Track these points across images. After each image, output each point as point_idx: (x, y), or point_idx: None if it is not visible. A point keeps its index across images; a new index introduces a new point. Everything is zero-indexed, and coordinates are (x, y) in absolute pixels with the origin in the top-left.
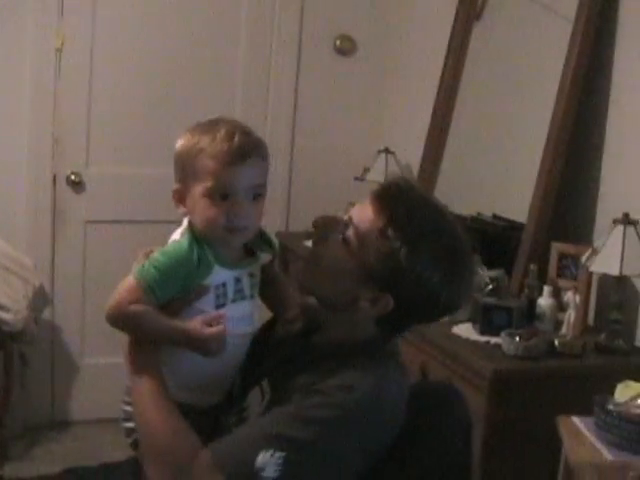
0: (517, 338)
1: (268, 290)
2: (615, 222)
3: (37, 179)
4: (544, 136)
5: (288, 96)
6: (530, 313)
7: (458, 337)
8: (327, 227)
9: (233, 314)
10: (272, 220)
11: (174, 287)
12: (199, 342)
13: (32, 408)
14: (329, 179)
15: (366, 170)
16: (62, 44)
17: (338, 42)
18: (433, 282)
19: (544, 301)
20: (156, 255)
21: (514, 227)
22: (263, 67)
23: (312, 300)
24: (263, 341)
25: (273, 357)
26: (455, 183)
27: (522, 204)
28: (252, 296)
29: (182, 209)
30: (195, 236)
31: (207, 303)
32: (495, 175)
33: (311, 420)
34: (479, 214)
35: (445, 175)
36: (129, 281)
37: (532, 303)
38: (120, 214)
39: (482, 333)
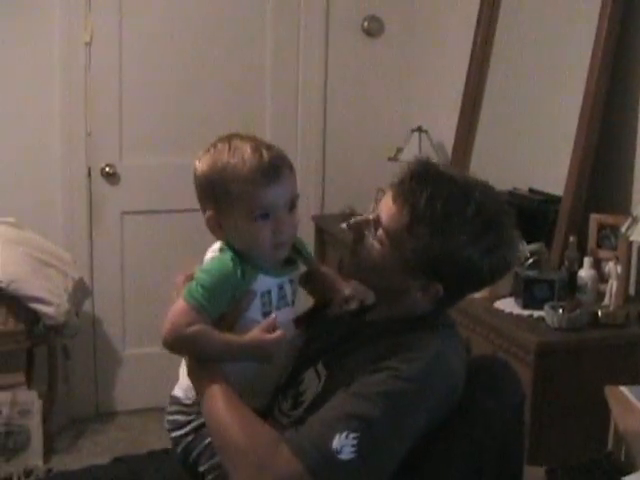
0: (560, 310)
1: (314, 280)
2: None
3: (72, 173)
4: (578, 108)
5: (318, 78)
6: (571, 285)
7: (501, 312)
8: (361, 228)
9: (279, 320)
10: (307, 203)
11: (223, 302)
12: (260, 351)
13: (76, 400)
14: (362, 161)
15: (399, 150)
16: (91, 38)
17: (366, 23)
18: (474, 259)
19: (585, 273)
20: (200, 274)
21: (551, 200)
22: (291, 50)
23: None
24: (311, 325)
25: (326, 339)
26: (489, 159)
27: (558, 177)
28: (293, 302)
29: (220, 234)
30: (235, 250)
31: (254, 311)
32: (529, 149)
33: (379, 396)
34: (515, 189)
35: (479, 152)
36: (180, 304)
37: (573, 275)
38: (155, 204)
39: (525, 307)
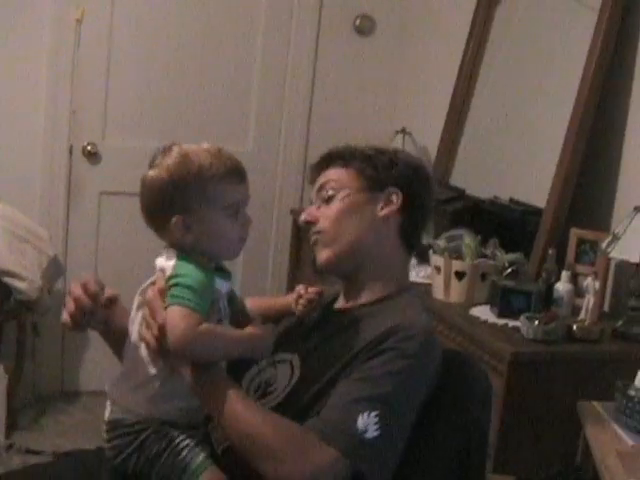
0: (536, 322)
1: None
2: (636, 209)
3: (53, 149)
4: (565, 121)
5: (306, 75)
6: (548, 297)
7: (476, 319)
8: (315, 216)
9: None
10: (287, 199)
11: (209, 301)
12: (261, 343)
13: (42, 378)
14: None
15: None
16: (82, 15)
17: (358, 21)
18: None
19: (562, 286)
20: (179, 279)
21: (531, 211)
22: (282, 45)
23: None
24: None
25: (295, 330)
26: (472, 166)
27: (540, 189)
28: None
29: (188, 237)
30: (190, 257)
31: (212, 319)
32: (513, 159)
33: (390, 375)
34: (496, 197)
35: (462, 157)
36: (176, 310)
37: (550, 287)
38: (135, 186)
39: (500, 315)
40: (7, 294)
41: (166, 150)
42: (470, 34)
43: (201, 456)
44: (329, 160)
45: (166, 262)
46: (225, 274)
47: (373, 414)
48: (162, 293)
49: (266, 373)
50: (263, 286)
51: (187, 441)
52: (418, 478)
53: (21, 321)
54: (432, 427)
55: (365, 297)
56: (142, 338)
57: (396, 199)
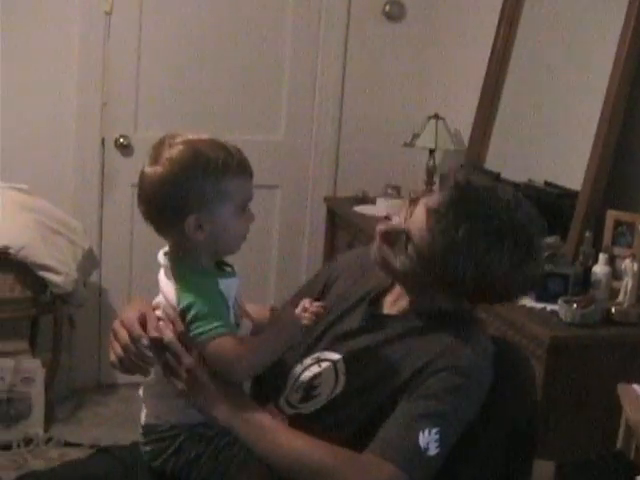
0: (574, 305)
1: None
2: None
3: (85, 142)
4: (600, 102)
5: (337, 62)
6: (585, 281)
7: (514, 304)
8: (391, 236)
9: (242, 333)
10: (320, 185)
11: (225, 307)
12: (295, 329)
13: (79, 371)
14: (377, 145)
15: (415, 136)
16: (111, 7)
17: (387, 7)
18: (503, 279)
19: (599, 269)
20: (193, 312)
21: (567, 194)
22: (312, 32)
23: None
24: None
25: (340, 328)
26: (506, 150)
27: (575, 171)
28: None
29: (199, 236)
30: (188, 265)
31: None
32: (547, 142)
33: (446, 392)
34: (531, 181)
35: (496, 141)
36: (220, 342)
37: (587, 271)
38: None
39: (538, 300)
40: (43, 288)
41: (170, 142)
42: (501, 16)
43: (242, 453)
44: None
45: (166, 281)
46: (228, 269)
47: (434, 431)
48: (181, 334)
49: (310, 372)
50: (297, 275)
51: (225, 439)
52: (469, 472)
53: (57, 314)
54: (485, 423)
55: (421, 306)
56: (168, 380)
57: (460, 302)
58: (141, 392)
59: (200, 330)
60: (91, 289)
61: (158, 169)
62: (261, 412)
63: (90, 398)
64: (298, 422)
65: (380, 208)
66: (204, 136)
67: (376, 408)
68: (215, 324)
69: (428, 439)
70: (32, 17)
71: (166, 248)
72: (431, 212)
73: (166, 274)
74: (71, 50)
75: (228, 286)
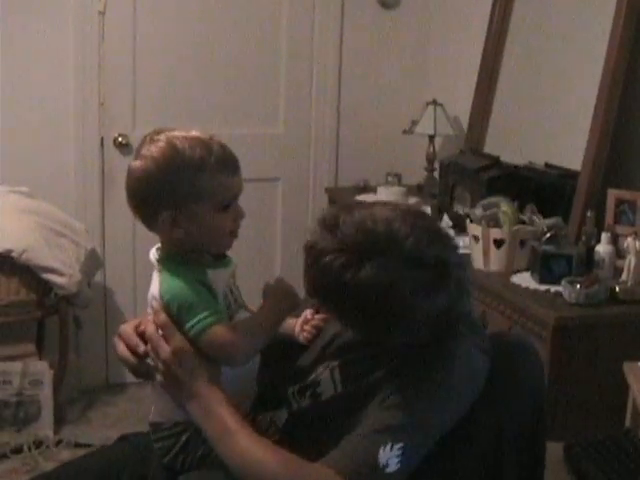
0: (578, 286)
1: None
2: None
3: (84, 143)
4: (596, 82)
5: (333, 51)
6: (588, 261)
7: (517, 286)
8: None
9: None
10: (320, 175)
11: (213, 297)
12: (289, 300)
13: (87, 371)
14: (377, 133)
15: (414, 123)
16: (105, 7)
17: None
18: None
19: (602, 248)
20: (177, 305)
21: (567, 175)
22: (307, 22)
23: None
24: None
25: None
26: (505, 133)
27: (574, 152)
28: (244, 305)
29: (176, 233)
30: (174, 261)
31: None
32: (546, 123)
33: (414, 404)
34: (531, 163)
35: (495, 125)
36: (212, 332)
37: (590, 250)
38: None
39: (541, 281)
40: (47, 290)
41: (153, 138)
42: (495, 0)
43: None
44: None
45: (155, 274)
46: (224, 261)
47: (397, 446)
48: (164, 327)
49: (319, 376)
50: (300, 267)
51: None
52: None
53: (63, 315)
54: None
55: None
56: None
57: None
58: (150, 389)
59: (189, 324)
60: (96, 289)
61: (137, 164)
62: (231, 413)
63: (99, 398)
64: (297, 420)
65: (382, 196)
66: (192, 132)
67: (360, 413)
68: (201, 315)
69: (389, 455)
70: (26, 18)
71: (159, 244)
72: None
73: (156, 267)
74: (66, 50)
75: (217, 276)
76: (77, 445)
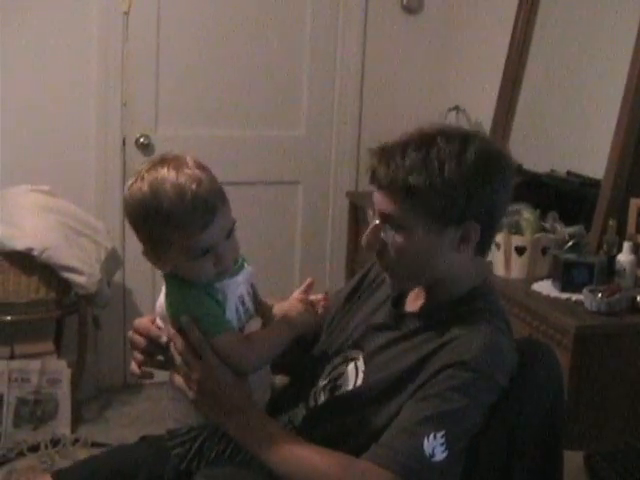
0: (599, 294)
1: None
2: None
3: (106, 143)
4: (620, 90)
5: (356, 55)
6: (610, 269)
7: (538, 294)
8: (375, 239)
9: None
10: (342, 179)
11: (221, 309)
12: (302, 318)
13: (105, 371)
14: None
15: None
16: (129, 7)
17: (405, 0)
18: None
19: (624, 257)
20: (193, 313)
21: (590, 183)
22: (330, 26)
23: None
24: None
25: (363, 328)
26: (528, 140)
27: (597, 160)
28: (257, 310)
29: (161, 266)
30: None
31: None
32: (568, 132)
33: (454, 390)
34: (553, 171)
35: (517, 132)
36: (225, 338)
37: (611, 259)
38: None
39: (563, 290)
40: (67, 289)
41: (143, 173)
42: (520, 5)
43: None
44: (390, 186)
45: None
46: (233, 268)
47: (440, 434)
48: (196, 343)
49: (339, 370)
50: (322, 270)
51: None
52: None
53: (82, 315)
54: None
55: (437, 298)
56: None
57: (475, 234)
58: (167, 397)
59: (203, 328)
60: (115, 289)
61: (129, 189)
62: (274, 423)
63: (116, 398)
64: (315, 415)
65: None
66: (187, 170)
67: (389, 405)
68: (213, 323)
69: (433, 444)
70: (50, 19)
71: None
72: (378, 188)
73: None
74: (90, 51)
75: (224, 286)
76: (94, 444)
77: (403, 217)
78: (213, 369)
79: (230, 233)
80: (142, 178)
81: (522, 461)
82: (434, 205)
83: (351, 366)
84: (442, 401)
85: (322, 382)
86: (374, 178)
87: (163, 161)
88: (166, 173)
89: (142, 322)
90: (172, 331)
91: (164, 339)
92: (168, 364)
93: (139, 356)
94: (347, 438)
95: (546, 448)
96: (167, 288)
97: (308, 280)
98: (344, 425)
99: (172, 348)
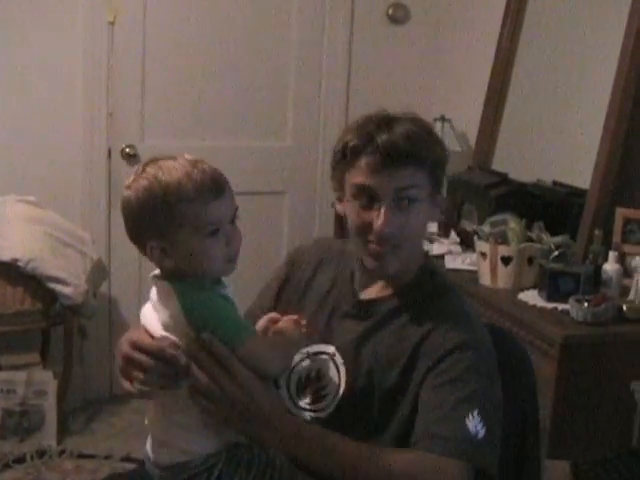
0: (585, 304)
1: None
2: None
3: (92, 153)
4: (606, 101)
5: (342, 66)
6: (596, 279)
7: (524, 304)
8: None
9: None
10: (328, 190)
11: (237, 310)
12: (299, 337)
13: (91, 382)
14: None
15: None
16: (114, 17)
17: (391, 10)
18: None
19: (610, 266)
20: (213, 320)
21: (575, 193)
22: (316, 36)
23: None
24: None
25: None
26: (513, 150)
27: (583, 170)
28: None
29: (168, 263)
30: (187, 283)
31: None
32: (554, 141)
33: (468, 371)
34: (539, 180)
35: (503, 142)
36: (250, 347)
37: (597, 269)
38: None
39: (549, 299)
40: (53, 299)
41: (141, 169)
42: (505, 16)
43: (284, 472)
44: (407, 156)
45: (166, 303)
46: (221, 284)
47: (475, 413)
48: (223, 358)
49: (301, 368)
50: None
51: (264, 459)
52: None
53: (68, 326)
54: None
55: (406, 276)
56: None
57: (442, 202)
58: (150, 426)
59: (227, 338)
60: (101, 300)
61: (123, 197)
62: (318, 429)
63: (103, 409)
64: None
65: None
66: (181, 160)
67: (387, 393)
68: (236, 328)
69: (474, 423)
70: (35, 29)
71: (156, 271)
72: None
73: (161, 297)
74: (75, 61)
75: (229, 292)
76: (80, 456)
77: (419, 187)
78: (243, 380)
79: (233, 219)
80: (141, 174)
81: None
82: (439, 174)
83: (325, 361)
84: (463, 384)
85: (286, 384)
86: (384, 151)
87: (156, 158)
88: (166, 162)
89: (143, 339)
90: (193, 348)
91: (183, 360)
92: (178, 383)
93: (141, 376)
94: (358, 431)
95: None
96: (180, 296)
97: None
98: (351, 422)
99: (193, 368)
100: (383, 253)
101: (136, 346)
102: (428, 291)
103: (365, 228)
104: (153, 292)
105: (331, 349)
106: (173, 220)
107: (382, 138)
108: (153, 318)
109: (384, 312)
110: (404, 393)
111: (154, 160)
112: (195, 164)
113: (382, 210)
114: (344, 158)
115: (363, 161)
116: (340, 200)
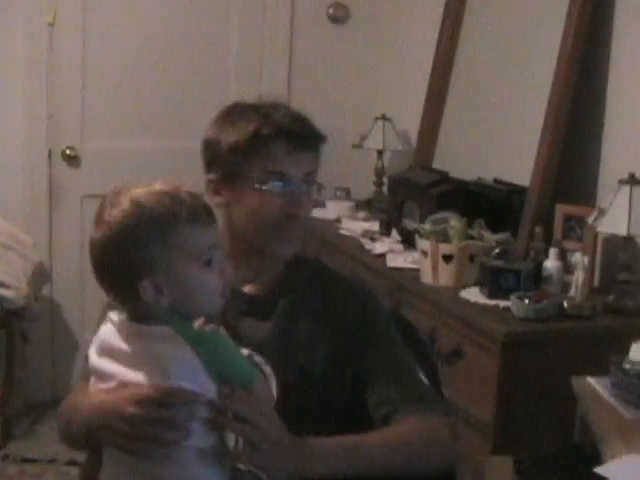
0: (527, 301)
1: None
2: (621, 182)
3: (32, 155)
4: (545, 98)
5: (282, 65)
6: (537, 276)
7: (466, 301)
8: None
9: None
10: None
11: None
12: None
13: (34, 385)
14: (326, 147)
15: (363, 138)
16: (54, 18)
17: (331, 10)
18: None
19: (551, 263)
20: (230, 366)
21: (516, 191)
22: (256, 35)
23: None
24: None
25: None
26: (454, 148)
27: (523, 168)
28: None
29: (163, 301)
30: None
31: None
32: (495, 140)
33: (384, 325)
34: (480, 179)
35: (444, 140)
36: (260, 383)
37: (538, 266)
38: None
39: (490, 297)
40: None
41: (113, 201)
42: (445, 16)
43: None
44: (316, 142)
45: (171, 349)
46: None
47: (418, 367)
48: (253, 403)
49: None
50: None
51: None
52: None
53: (10, 329)
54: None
55: (269, 272)
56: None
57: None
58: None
59: (243, 373)
60: (43, 303)
61: (99, 234)
62: (336, 437)
63: (46, 413)
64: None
65: (330, 211)
66: (158, 186)
67: (322, 373)
68: (247, 375)
69: (423, 376)
70: None
71: (119, 315)
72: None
73: (151, 343)
74: (15, 62)
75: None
76: (24, 460)
77: (316, 171)
78: (278, 425)
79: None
80: (113, 205)
81: None
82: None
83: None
84: (391, 342)
85: None
86: (297, 136)
87: (118, 191)
88: (140, 188)
89: (134, 393)
90: (228, 398)
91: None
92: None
93: (140, 430)
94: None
95: None
96: (197, 347)
97: None
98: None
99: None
100: (296, 237)
101: (156, 402)
102: (299, 264)
103: (279, 214)
104: (113, 337)
105: (245, 352)
106: (166, 246)
107: (295, 124)
108: (135, 368)
109: (270, 302)
110: (341, 365)
111: (122, 189)
112: (177, 188)
113: (300, 195)
114: (249, 147)
115: (278, 148)
116: (218, 191)
